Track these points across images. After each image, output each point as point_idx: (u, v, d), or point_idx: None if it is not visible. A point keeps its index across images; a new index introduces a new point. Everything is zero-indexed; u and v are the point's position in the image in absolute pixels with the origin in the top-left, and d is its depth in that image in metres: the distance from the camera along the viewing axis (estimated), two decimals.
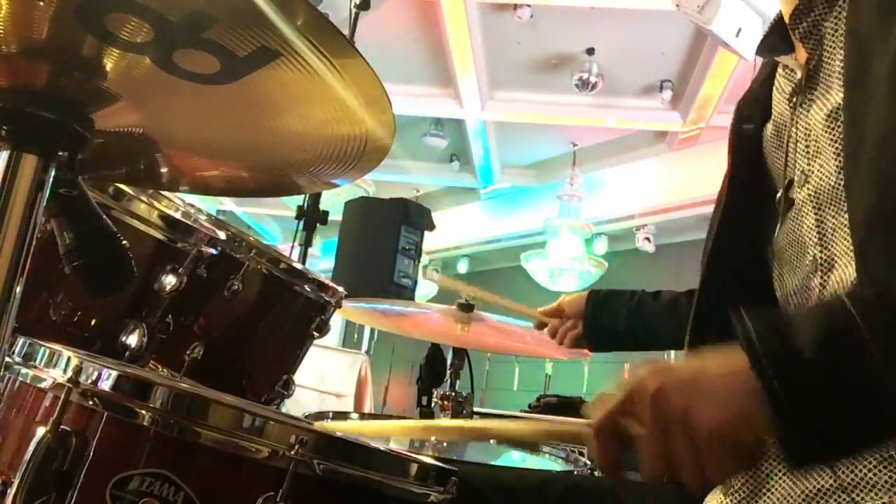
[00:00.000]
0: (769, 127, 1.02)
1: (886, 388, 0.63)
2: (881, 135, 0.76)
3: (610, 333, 1.53)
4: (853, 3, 0.85)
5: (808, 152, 0.91)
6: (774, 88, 1.03)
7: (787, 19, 0.94)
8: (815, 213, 0.89)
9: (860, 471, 0.77)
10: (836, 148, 0.86)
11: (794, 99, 0.95)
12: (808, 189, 0.90)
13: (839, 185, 0.84)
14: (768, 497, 0.86)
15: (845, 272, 0.85)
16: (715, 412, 0.66)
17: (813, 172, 0.90)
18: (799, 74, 0.95)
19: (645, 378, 0.70)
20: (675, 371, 0.71)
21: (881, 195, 0.75)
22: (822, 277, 0.88)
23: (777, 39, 1.00)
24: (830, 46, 0.89)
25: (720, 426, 0.66)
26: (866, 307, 0.65)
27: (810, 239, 0.90)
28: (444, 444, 1.83)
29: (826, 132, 0.87)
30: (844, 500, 0.78)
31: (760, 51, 1.02)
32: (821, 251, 0.89)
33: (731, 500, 0.89)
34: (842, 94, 0.84)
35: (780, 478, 0.85)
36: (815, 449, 0.66)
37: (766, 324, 0.68)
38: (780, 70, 1.02)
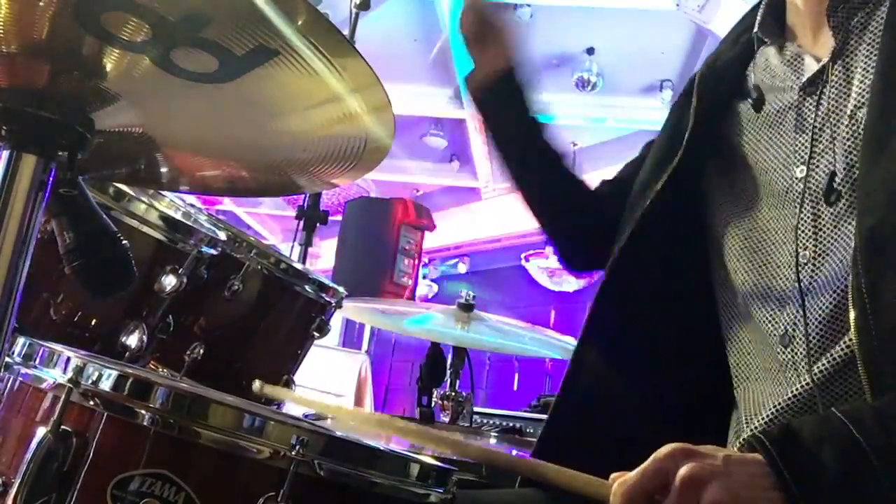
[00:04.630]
0: (765, 108, 1.00)
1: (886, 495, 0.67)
2: None
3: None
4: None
5: (833, 143, 0.89)
6: (760, 70, 1.03)
7: (811, 7, 0.95)
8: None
9: None
10: (855, 141, 0.85)
11: (810, 88, 0.94)
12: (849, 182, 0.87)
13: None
14: None
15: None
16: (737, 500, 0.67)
17: (855, 164, 0.86)
18: (807, 62, 0.95)
19: (674, 457, 0.69)
20: (705, 457, 0.69)
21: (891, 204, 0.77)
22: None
23: (772, 22, 1.01)
24: (858, 38, 0.90)
25: None
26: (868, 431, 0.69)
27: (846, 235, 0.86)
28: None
29: (850, 124, 0.87)
30: None
31: (764, 32, 1.02)
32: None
33: None
34: (864, 86, 0.86)
35: None
36: None
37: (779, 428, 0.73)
38: (773, 52, 1.01)
